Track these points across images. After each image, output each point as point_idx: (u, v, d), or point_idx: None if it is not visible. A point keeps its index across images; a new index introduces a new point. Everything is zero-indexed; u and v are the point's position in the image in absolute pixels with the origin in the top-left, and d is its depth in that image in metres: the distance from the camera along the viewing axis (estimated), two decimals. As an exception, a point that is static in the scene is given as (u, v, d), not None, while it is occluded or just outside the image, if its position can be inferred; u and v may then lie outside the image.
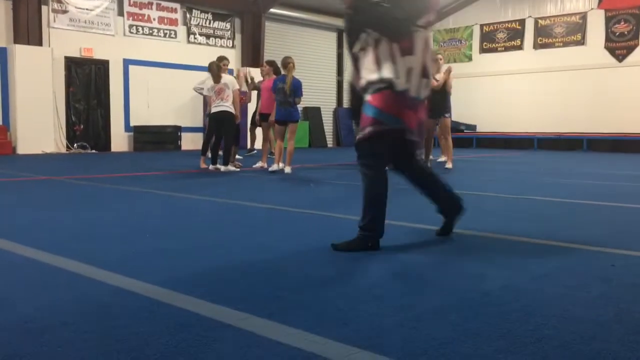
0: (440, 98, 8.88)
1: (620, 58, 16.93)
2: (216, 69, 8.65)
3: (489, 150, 16.65)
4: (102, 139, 14.19)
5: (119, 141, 14.47)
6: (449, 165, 9.28)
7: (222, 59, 9.33)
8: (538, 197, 5.87)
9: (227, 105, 8.53)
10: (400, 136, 3.39)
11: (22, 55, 12.52)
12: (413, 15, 3.28)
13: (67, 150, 13.30)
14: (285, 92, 8.20)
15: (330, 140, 19.35)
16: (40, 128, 12.75)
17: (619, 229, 4.17)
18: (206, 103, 11.57)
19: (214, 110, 8.65)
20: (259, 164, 9.37)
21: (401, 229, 4.04)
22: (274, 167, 8.39)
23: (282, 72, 8.49)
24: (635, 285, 2.66)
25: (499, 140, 18.24)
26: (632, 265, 3.06)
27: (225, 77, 8.63)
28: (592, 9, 17.33)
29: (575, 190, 6.66)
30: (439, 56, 9.55)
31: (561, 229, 4.12)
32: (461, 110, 16.42)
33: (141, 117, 14.75)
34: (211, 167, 8.71)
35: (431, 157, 10.43)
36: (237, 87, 8.71)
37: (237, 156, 9.51)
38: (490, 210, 5.10)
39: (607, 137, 16.42)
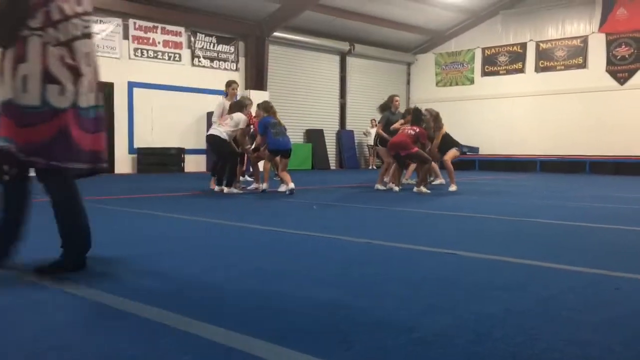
0: (444, 140, 9.68)
1: (621, 81, 17.01)
2: (242, 108, 8.77)
3: (492, 172, 16.65)
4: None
5: (123, 163, 14.52)
6: (453, 188, 9.31)
7: (231, 83, 9.46)
8: (540, 220, 5.85)
9: (218, 130, 8.61)
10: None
11: (28, 78, 12.62)
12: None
13: (70, 172, 13.34)
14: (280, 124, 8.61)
15: (333, 163, 19.38)
16: (45, 150, 12.80)
17: (623, 251, 4.15)
18: (211, 124, 11.59)
19: (208, 132, 8.92)
20: (253, 185, 9.41)
21: (398, 250, 4.02)
22: (264, 185, 8.74)
23: (264, 114, 8.70)
24: (641, 308, 2.64)
25: (501, 162, 18.26)
26: (638, 288, 3.04)
27: (238, 115, 8.66)
28: (592, 32, 17.46)
29: (578, 213, 6.64)
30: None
31: (564, 251, 4.11)
32: (463, 132, 16.46)
33: (145, 139, 14.82)
34: (216, 188, 8.75)
35: (435, 179, 10.52)
36: (243, 127, 8.72)
37: (241, 178, 9.52)
38: (492, 232, 5.08)
39: (609, 160, 16.43)
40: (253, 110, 9.47)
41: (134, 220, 5.81)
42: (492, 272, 3.42)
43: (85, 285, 2.92)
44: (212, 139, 8.72)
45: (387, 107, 10.59)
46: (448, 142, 9.75)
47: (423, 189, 9.08)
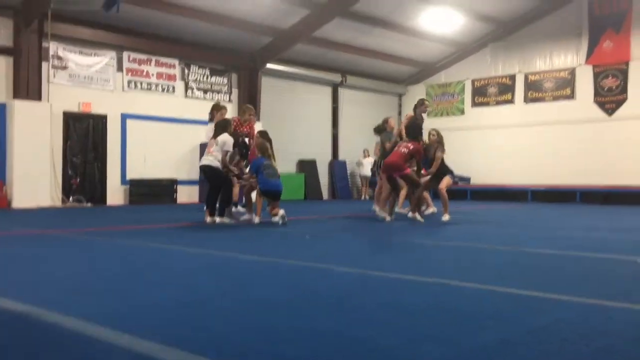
0: (439, 166, 9.61)
1: (609, 112, 17.26)
2: (229, 129, 8.73)
3: (483, 202, 16.73)
4: (98, 192, 14.21)
5: (115, 194, 14.49)
6: (446, 217, 9.31)
7: (220, 107, 9.46)
8: (533, 249, 5.89)
9: (208, 159, 8.58)
10: None
11: (21, 111, 12.67)
12: None
13: (62, 204, 13.29)
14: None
15: (325, 193, 19.41)
16: (37, 182, 12.78)
17: (614, 281, 4.18)
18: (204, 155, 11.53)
19: (200, 163, 8.89)
20: (246, 216, 9.24)
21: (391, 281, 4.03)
22: (257, 219, 8.63)
23: (259, 154, 8.64)
24: (636, 339, 2.66)
25: (493, 192, 18.35)
26: (631, 318, 3.06)
27: (223, 136, 8.62)
28: (580, 64, 17.77)
29: (569, 243, 6.69)
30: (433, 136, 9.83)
31: (556, 281, 4.13)
32: (455, 162, 16.50)
33: (138, 170, 14.82)
34: (208, 219, 8.66)
35: (427, 208, 10.53)
36: (228, 149, 8.66)
37: (234, 208, 9.49)
38: (485, 262, 5.11)
39: (600, 190, 16.56)
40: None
41: (127, 251, 5.79)
42: (486, 302, 3.43)
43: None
44: (204, 169, 8.67)
45: (382, 129, 10.69)
46: (442, 168, 9.72)
47: (417, 215, 9.10)
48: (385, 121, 10.85)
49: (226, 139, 8.55)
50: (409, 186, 9.53)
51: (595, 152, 17.11)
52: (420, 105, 10.42)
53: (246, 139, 9.46)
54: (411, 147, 9.09)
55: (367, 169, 18.99)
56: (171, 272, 4.50)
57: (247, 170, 9.11)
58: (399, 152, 9.14)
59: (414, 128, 9.59)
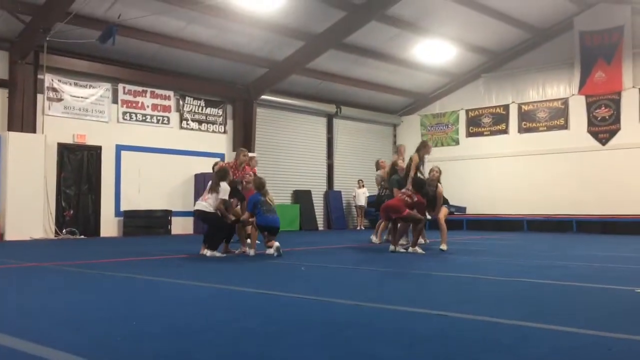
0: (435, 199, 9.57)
1: (603, 141, 17.35)
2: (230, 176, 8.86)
3: (480, 232, 16.68)
4: (91, 224, 14.11)
5: (109, 226, 14.38)
6: (444, 247, 9.27)
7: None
8: (530, 280, 5.83)
9: (203, 204, 8.59)
10: None
11: (15, 143, 12.65)
12: None
13: (55, 236, 13.17)
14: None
15: (321, 223, 19.34)
16: (30, 214, 12.69)
17: (613, 311, 4.12)
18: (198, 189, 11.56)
19: (194, 207, 8.99)
20: (240, 249, 9.10)
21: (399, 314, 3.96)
22: (252, 251, 8.62)
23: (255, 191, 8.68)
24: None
25: (489, 222, 18.32)
26: (630, 349, 3.00)
27: (222, 185, 8.66)
28: (573, 94, 17.93)
29: (567, 272, 6.63)
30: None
31: (554, 311, 4.07)
32: (450, 192, 16.51)
33: (132, 201, 14.75)
34: (208, 253, 8.53)
35: (424, 240, 10.46)
36: (224, 197, 8.66)
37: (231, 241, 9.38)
38: (483, 292, 5.05)
39: (596, 219, 16.54)
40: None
41: (121, 286, 5.71)
42: (483, 333, 3.37)
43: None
44: (198, 214, 8.76)
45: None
46: (442, 200, 9.77)
47: (418, 249, 9.04)
48: (377, 163, 11.07)
49: (224, 187, 8.60)
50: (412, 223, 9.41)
51: (590, 182, 17.15)
52: (423, 148, 10.40)
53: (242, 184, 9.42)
54: (416, 199, 9.07)
55: (361, 199, 19.00)
56: (163, 304, 4.42)
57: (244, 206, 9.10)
58: (402, 199, 9.13)
59: (420, 183, 9.44)
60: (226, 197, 8.64)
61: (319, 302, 4.49)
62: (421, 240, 10.54)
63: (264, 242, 8.80)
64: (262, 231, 8.69)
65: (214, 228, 8.61)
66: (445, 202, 9.84)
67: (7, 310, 4.17)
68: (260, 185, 8.71)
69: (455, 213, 19.07)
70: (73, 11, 11.94)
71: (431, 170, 9.81)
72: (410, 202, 9.03)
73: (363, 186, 18.93)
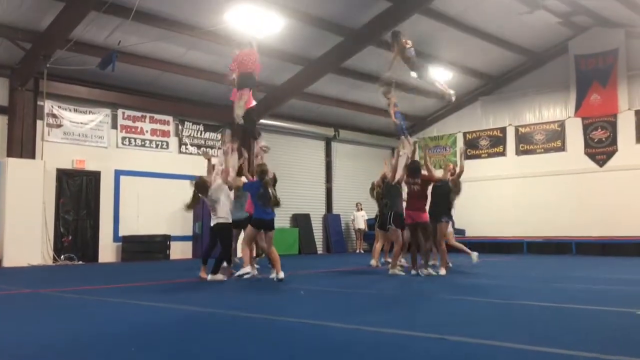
0: (440, 200, 9.47)
1: (600, 163, 17.41)
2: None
3: (479, 254, 16.60)
4: (90, 250, 14.06)
5: (107, 251, 14.33)
6: (442, 272, 9.20)
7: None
8: (530, 302, 5.81)
9: (221, 217, 8.56)
10: None
11: (15, 169, 12.65)
12: None
13: (53, 262, 13.12)
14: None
15: (320, 247, 19.29)
16: (28, 240, 12.63)
17: (615, 334, 4.11)
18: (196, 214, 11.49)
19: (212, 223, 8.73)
20: (242, 270, 8.94)
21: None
22: (248, 268, 8.58)
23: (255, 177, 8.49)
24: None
25: (488, 244, 18.28)
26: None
27: (215, 191, 8.63)
28: (569, 117, 18.04)
29: (568, 295, 6.62)
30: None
31: (556, 335, 4.06)
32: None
33: (130, 226, 14.71)
34: (207, 276, 8.50)
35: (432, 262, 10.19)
36: (223, 197, 8.66)
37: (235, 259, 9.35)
38: (483, 315, 5.03)
39: (595, 241, 16.52)
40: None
41: (118, 310, 5.68)
42: (484, 357, 3.36)
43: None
44: (216, 227, 8.51)
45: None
46: (446, 205, 9.54)
47: (427, 270, 9.00)
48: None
49: (217, 187, 8.56)
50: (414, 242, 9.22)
51: (588, 204, 17.16)
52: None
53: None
54: (419, 180, 9.00)
55: (360, 222, 18.99)
56: (162, 330, 4.40)
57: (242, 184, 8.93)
58: (414, 191, 8.99)
59: (416, 167, 9.42)
60: (223, 191, 8.57)
61: (319, 326, 4.48)
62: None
63: (268, 263, 8.73)
64: (257, 228, 8.30)
65: (225, 247, 8.46)
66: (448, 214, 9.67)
67: (2, 339, 4.15)
68: (262, 171, 8.25)
69: (455, 235, 19.09)
70: (73, 38, 12.05)
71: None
72: (420, 189, 8.90)
73: (362, 209, 18.92)
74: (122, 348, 3.73)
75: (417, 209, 9.01)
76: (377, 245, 11.18)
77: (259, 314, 5.09)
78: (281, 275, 8.05)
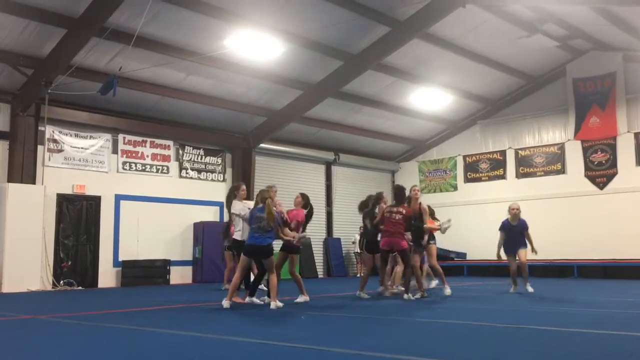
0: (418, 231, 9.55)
1: (601, 185, 17.42)
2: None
3: (480, 278, 16.54)
4: (89, 275, 13.98)
5: (107, 277, 14.25)
6: (448, 291, 9.34)
7: (240, 185, 9.16)
8: (532, 326, 5.76)
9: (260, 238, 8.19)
10: None
11: (15, 194, 12.64)
12: None
13: (53, 288, 13.04)
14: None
15: (320, 271, 19.20)
16: (28, 265, 12.56)
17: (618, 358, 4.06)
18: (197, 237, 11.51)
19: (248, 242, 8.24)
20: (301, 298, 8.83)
21: None
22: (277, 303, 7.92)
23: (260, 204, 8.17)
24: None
25: (489, 268, 18.17)
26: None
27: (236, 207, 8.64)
28: (568, 140, 18.10)
29: (572, 319, 6.56)
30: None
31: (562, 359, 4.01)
32: (450, 238, 16.52)
33: (130, 251, 14.66)
34: (247, 299, 8.56)
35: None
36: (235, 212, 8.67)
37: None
38: (485, 340, 4.98)
39: (597, 264, 16.44)
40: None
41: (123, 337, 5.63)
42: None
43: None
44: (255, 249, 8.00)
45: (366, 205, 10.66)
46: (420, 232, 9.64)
47: (409, 295, 8.98)
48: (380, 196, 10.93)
49: (235, 207, 8.53)
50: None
51: (590, 226, 17.11)
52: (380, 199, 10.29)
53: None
54: (404, 210, 9.04)
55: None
56: (163, 357, 4.35)
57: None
58: (395, 220, 8.97)
59: (401, 191, 9.53)
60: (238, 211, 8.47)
61: (320, 351, 4.43)
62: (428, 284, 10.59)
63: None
64: (249, 256, 8.01)
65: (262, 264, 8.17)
66: (432, 237, 10.00)
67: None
68: (263, 197, 8.00)
69: (455, 259, 19.02)
70: (75, 64, 12.15)
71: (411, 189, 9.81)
72: (402, 217, 8.88)
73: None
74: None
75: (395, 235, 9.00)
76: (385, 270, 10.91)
77: (258, 339, 5.04)
78: (273, 305, 7.76)
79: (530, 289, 10.06)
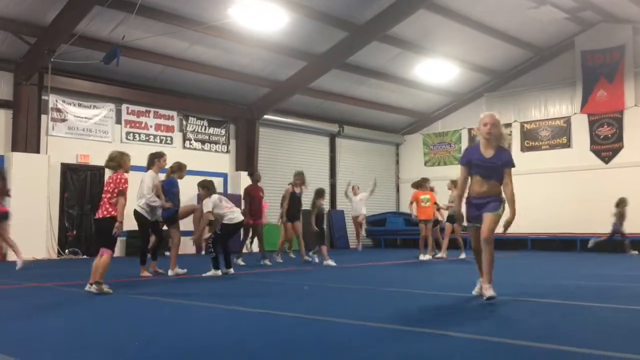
0: None
1: (606, 160, 17.33)
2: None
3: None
4: (94, 244, 14.04)
5: (111, 246, 14.31)
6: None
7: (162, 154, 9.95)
8: (537, 299, 5.77)
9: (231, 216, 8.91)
10: None
11: (19, 163, 12.66)
12: None
13: (58, 256, 13.13)
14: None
15: (324, 243, 19.23)
16: (33, 234, 12.63)
17: (624, 331, 4.06)
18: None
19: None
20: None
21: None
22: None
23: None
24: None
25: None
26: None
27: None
28: (575, 113, 17.95)
29: (577, 291, 6.57)
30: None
31: (567, 331, 4.02)
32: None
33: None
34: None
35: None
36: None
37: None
38: (489, 311, 4.99)
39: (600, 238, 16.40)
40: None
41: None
42: (491, 355, 3.32)
43: None
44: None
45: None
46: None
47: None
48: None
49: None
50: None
51: (594, 200, 17.06)
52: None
53: None
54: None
55: (360, 207, 17.28)
56: (163, 325, 4.38)
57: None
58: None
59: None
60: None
61: (324, 321, 4.44)
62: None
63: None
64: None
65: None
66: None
67: (7, 333, 4.13)
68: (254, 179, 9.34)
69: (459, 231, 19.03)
70: (78, 32, 12.04)
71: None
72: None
73: (358, 193, 17.29)
74: (125, 343, 3.71)
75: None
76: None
77: (261, 309, 5.06)
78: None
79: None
